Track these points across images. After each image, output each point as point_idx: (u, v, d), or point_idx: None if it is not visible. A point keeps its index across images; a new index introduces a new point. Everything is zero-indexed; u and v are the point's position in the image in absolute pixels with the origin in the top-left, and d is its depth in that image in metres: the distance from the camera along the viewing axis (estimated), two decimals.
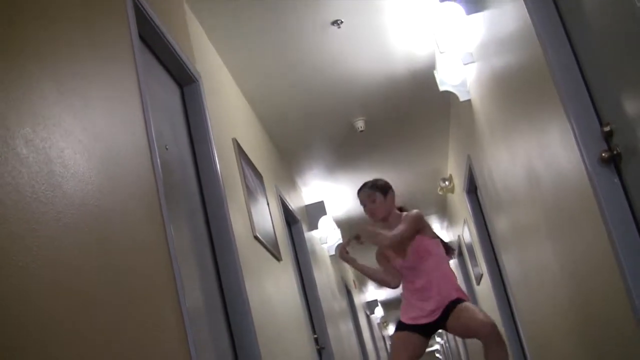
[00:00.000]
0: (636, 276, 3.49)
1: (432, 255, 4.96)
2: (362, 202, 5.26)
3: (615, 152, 3.52)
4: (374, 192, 5.21)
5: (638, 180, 3.39)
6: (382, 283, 5.37)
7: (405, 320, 4.92)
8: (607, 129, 3.55)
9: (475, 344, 13.77)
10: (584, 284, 4.37)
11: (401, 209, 5.31)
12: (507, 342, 8.09)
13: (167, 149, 4.07)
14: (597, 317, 4.31)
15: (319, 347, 7.53)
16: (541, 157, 4.63)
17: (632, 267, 3.50)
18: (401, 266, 5.03)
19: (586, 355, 4.84)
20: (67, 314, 2.15)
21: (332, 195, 9.90)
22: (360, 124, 7.79)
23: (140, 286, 2.83)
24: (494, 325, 4.62)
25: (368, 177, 9.58)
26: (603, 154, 3.55)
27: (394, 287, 5.31)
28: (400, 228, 4.82)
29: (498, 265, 8.29)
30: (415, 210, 5.07)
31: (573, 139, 3.76)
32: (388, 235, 4.76)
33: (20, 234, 2.00)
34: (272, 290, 5.56)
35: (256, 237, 5.43)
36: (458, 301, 4.79)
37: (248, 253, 5.02)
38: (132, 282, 2.74)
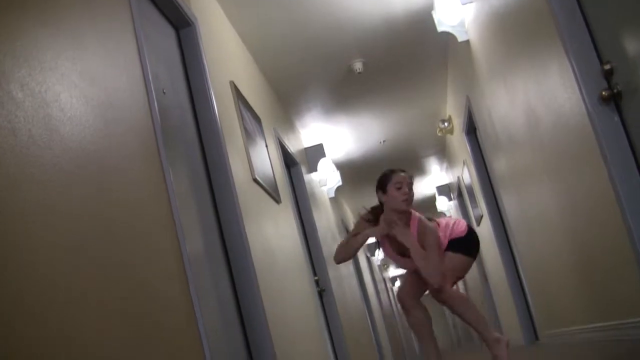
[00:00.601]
0: (636, 215, 3.50)
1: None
2: (401, 183, 4.86)
3: (615, 91, 3.51)
4: (413, 182, 4.94)
5: (638, 118, 3.37)
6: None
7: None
8: (607, 67, 3.53)
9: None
10: (584, 223, 4.38)
11: None
12: (507, 284, 8.18)
13: (164, 93, 4.04)
14: (597, 257, 4.33)
15: (319, 289, 7.58)
16: (540, 96, 4.61)
17: (633, 206, 3.51)
18: (395, 258, 5.02)
19: (586, 295, 4.87)
20: (65, 259, 2.15)
21: (331, 137, 9.88)
22: (358, 66, 7.73)
23: (140, 232, 2.83)
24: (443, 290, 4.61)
25: (367, 119, 9.62)
26: (603, 93, 3.53)
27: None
28: (434, 258, 4.65)
29: (498, 207, 8.31)
30: (433, 228, 4.81)
31: (573, 78, 3.74)
32: (431, 265, 4.62)
33: (17, 178, 1.99)
34: (272, 233, 5.58)
35: (255, 180, 5.42)
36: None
37: (247, 196, 5.02)
38: (131, 227, 2.74)
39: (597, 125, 3.59)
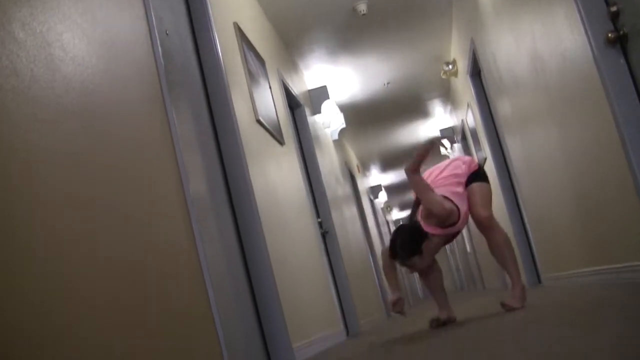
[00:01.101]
0: (639, 157, 3.49)
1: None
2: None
3: (621, 33, 3.49)
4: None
5: None
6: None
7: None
8: (613, 9, 3.50)
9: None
10: (589, 167, 4.37)
11: None
12: (510, 227, 8.21)
13: (167, 34, 4.02)
14: (601, 201, 4.34)
15: (322, 231, 7.62)
16: (546, 39, 4.58)
17: (637, 149, 3.50)
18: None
19: (589, 238, 4.89)
20: (68, 202, 2.16)
21: (335, 79, 9.83)
22: (362, 7, 7.67)
23: (143, 173, 2.83)
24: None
25: (371, 61, 9.57)
26: (609, 35, 3.51)
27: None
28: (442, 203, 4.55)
29: (502, 150, 8.30)
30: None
31: (579, 20, 3.71)
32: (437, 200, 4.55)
33: (19, 118, 1.99)
34: (275, 175, 5.59)
35: (259, 121, 5.42)
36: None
37: (251, 137, 5.02)
38: (134, 169, 2.75)
39: (602, 68, 3.58)
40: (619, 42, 3.53)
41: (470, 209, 4.69)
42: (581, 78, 4.00)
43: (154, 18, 3.48)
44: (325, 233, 7.76)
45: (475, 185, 4.71)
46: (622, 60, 3.54)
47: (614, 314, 2.41)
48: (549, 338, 2.19)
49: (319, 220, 7.58)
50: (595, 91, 3.76)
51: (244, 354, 3.89)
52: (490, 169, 8.94)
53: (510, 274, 4.60)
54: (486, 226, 4.66)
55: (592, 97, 3.85)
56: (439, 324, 4.83)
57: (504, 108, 7.14)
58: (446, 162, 4.92)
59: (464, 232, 17.48)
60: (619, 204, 3.95)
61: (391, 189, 19.83)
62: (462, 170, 4.74)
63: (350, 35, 8.54)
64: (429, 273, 5.00)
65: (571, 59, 4.10)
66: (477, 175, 4.78)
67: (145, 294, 2.52)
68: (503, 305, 4.43)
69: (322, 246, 7.13)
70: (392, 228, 22.36)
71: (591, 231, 4.74)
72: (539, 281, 7.78)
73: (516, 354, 2.02)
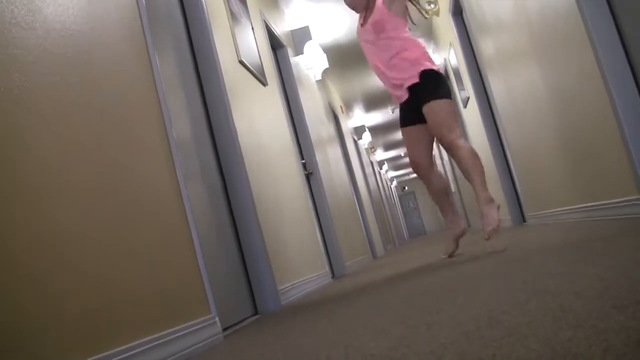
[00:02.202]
0: (622, 95, 3.50)
1: (389, 34, 4.84)
2: None
3: None
4: None
5: None
6: None
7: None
8: None
9: None
10: (572, 105, 4.38)
11: None
12: (494, 166, 8.24)
13: None
14: (584, 138, 4.35)
15: (307, 172, 7.63)
16: None
17: (619, 87, 3.51)
18: (361, 36, 4.95)
19: (573, 176, 4.92)
20: (55, 145, 2.15)
21: (318, 20, 9.76)
22: None
23: (126, 114, 2.82)
24: (453, 140, 4.52)
25: None
26: None
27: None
28: None
29: (485, 89, 8.30)
30: None
31: None
32: None
33: (1, 59, 1.97)
34: (258, 116, 5.57)
35: (241, 62, 5.39)
36: (424, 90, 4.66)
37: (234, 78, 5.00)
38: (117, 109, 2.74)
39: (582, 5, 3.56)
40: None
41: (434, 131, 4.59)
42: (563, 15, 3.99)
43: None
44: (310, 174, 7.77)
45: (434, 104, 4.57)
46: None
47: (601, 248, 2.44)
48: (537, 274, 2.21)
49: (303, 161, 7.59)
50: (576, 28, 3.76)
51: (229, 296, 3.92)
52: (473, 107, 8.94)
53: (474, 185, 4.44)
54: (452, 147, 4.52)
55: (575, 36, 3.85)
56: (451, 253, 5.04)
57: (486, 47, 7.12)
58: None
59: (449, 172, 17.55)
60: (602, 141, 3.97)
61: (375, 130, 19.82)
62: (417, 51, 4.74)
63: None
64: (435, 183, 4.98)
65: None
66: (435, 84, 4.64)
67: (130, 238, 2.53)
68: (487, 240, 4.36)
69: (307, 188, 7.14)
70: (377, 169, 22.40)
71: (575, 169, 4.76)
72: (524, 220, 7.84)
73: (505, 293, 2.04)
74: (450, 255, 5.02)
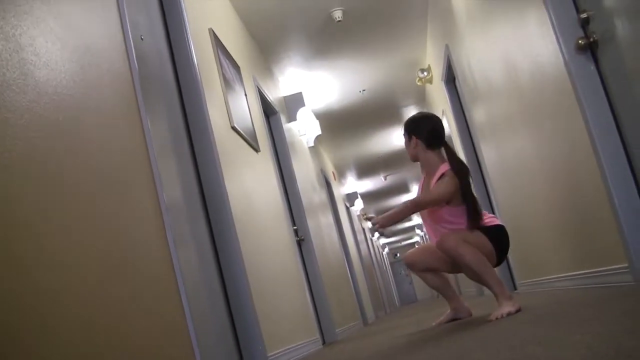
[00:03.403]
0: (612, 163, 3.53)
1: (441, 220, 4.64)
2: None
3: (591, 40, 3.53)
4: (405, 132, 4.82)
5: (614, 67, 3.40)
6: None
7: None
8: (584, 16, 3.55)
9: None
10: (562, 172, 4.41)
11: (451, 156, 4.67)
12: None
13: (142, 39, 4.02)
14: (574, 206, 4.37)
15: (298, 239, 7.63)
16: (519, 45, 4.62)
17: (608, 154, 3.54)
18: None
19: (563, 244, 4.92)
20: (44, 209, 2.15)
21: (311, 86, 9.86)
22: (338, 14, 7.70)
23: (118, 180, 2.83)
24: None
25: (346, 68, 9.60)
26: (580, 41, 3.55)
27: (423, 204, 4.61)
28: (421, 197, 4.52)
29: (477, 156, 8.34)
30: (446, 181, 4.49)
31: (550, 27, 3.75)
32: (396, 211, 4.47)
33: None
34: (251, 182, 5.59)
35: (234, 128, 5.42)
36: None
37: (226, 144, 5.02)
38: (108, 175, 2.74)
39: (573, 74, 3.61)
40: (589, 48, 3.58)
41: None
42: (553, 84, 4.04)
43: (128, 23, 3.48)
44: (301, 240, 7.76)
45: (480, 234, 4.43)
46: (593, 67, 3.58)
47: (590, 315, 2.43)
48: (526, 340, 2.21)
49: (295, 227, 7.58)
50: (567, 97, 3.80)
51: None
52: None
53: (490, 287, 4.20)
54: (456, 255, 4.30)
55: (564, 103, 3.89)
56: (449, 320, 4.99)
57: (478, 114, 7.18)
58: None
59: None
60: (592, 209, 3.99)
61: (367, 197, 19.87)
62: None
63: (326, 42, 8.57)
64: (428, 278, 4.98)
65: (543, 65, 4.14)
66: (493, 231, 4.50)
67: (119, 302, 2.51)
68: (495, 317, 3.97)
69: (298, 253, 7.13)
70: (369, 236, 22.39)
71: (565, 236, 4.77)
72: (515, 287, 7.82)
73: (498, 355, 2.04)
74: (441, 322, 5.00)
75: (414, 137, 4.71)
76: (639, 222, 3.48)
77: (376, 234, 27.47)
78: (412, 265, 4.95)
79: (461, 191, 4.46)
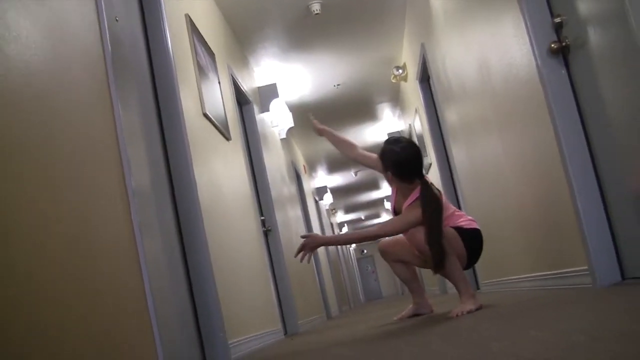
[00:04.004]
0: (577, 168, 3.57)
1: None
2: None
3: (564, 44, 3.57)
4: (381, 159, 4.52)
5: (584, 72, 3.43)
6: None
7: None
8: (557, 20, 3.58)
9: None
10: (530, 176, 4.45)
11: (424, 190, 4.30)
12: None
13: (117, 20, 4.00)
14: (540, 209, 4.41)
15: (265, 229, 7.63)
16: (494, 47, 4.65)
17: (574, 160, 3.58)
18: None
19: (528, 246, 4.97)
20: (11, 183, 2.14)
21: (285, 78, 9.85)
22: (316, 7, 7.70)
23: (85, 159, 2.82)
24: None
25: (322, 61, 9.60)
26: (552, 45, 3.59)
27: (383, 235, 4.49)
28: (388, 223, 4.37)
29: (447, 156, 8.38)
30: (407, 212, 4.30)
31: (524, 29, 3.78)
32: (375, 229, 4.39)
33: None
34: (220, 170, 5.58)
35: (205, 115, 5.41)
36: None
37: (197, 131, 5.01)
38: (75, 155, 2.73)
39: (544, 77, 3.65)
40: (562, 52, 3.61)
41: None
42: (525, 87, 4.07)
43: (103, 2, 3.46)
44: (268, 231, 7.77)
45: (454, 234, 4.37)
46: (564, 71, 3.62)
47: (547, 315, 2.46)
48: (483, 336, 2.23)
49: (262, 218, 7.59)
50: (537, 100, 3.83)
51: (179, 348, 3.89)
52: (434, 174, 9.02)
53: (455, 284, 4.24)
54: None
55: (535, 106, 3.92)
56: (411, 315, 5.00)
57: (450, 115, 7.22)
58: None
59: None
60: (556, 213, 4.03)
61: (337, 191, 19.89)
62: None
63: (303, 34, 8.56)
64: (396, 268, 5.01)
65: (516, 67, 4.17)
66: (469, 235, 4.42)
67: (81, 283, 2.51)
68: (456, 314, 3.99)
69: (264, 244, 7.14)
70: (337, 231, 22.42)
71: (530, 238, 4.81)
72: (477, 287, 7.87)
73: (451, 353, 2.06)
74: (403, 317, 5.04)
75: (388, 170, 4.39)
76: (600, 227, 3.53)
77: (344, 230, 27.53)
78: (385, 254, 4.99)
79: (426, 231, 4.21)
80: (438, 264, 4.20)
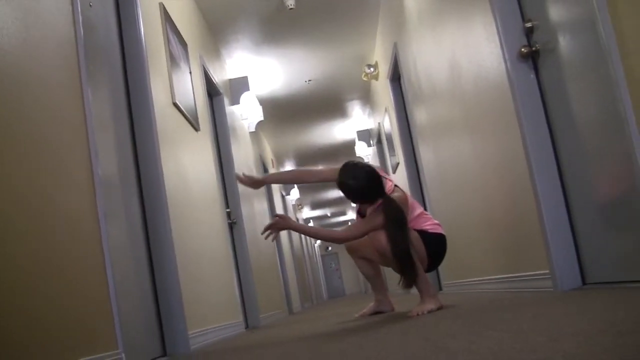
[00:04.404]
0: (542, 172, 3.61)
1: None
2: None
3: (534, 49, 3.60)
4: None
5: (553, 77, 3.47)
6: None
7: None
8: (529, 25, 3.62)
9: None
10: (496, 178, 4.48)
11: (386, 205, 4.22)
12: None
13: (90, 5, 3.99)
14: (505, 211, 4.45)
15: (230, 221, 7.62)
16: (465, 48, 4.68)
17: (540, 163, 3.62)
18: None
19: (492, 245, 5.00)
20: None
21: (257, 71, 9.84)
22: (290, 2, 7.68)
23: (52, 143, 2.81)
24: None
25: (294, 56, 9.61)
26: (522, 49, 3.62)
27: (340, 242, 4.52)
28: (352, 229, 4.35)
29: (415, 156, 8.42)
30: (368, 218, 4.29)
31: (495, 33, 3.81)
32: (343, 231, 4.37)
33: None
34: (187, 159, 5.57)
35: (175, 104, 5.40)
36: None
37: (166, 120, 5.00)
38: (43, 136, 2.72)
39: (513, 81, 3.68)
40: (531, 57, 3.65)
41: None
42: (494, 90, 4.10)
43: None
44: (233, 223, 7.76)
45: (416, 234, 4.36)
46: (533, 75, 3.66)
47: (505, 315, 2.49)
48: (441, 334, 2.25)
49: (228, 210, 7.58)
50: (506, 104, 3.87)
51: (139, 334, 3.89)
52: (401, 174, 9.06)
53: (416, 283, 4.17)
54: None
55: (503, 109, 3.96)
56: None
57: (420, 115, 7.25)
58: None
59: None
60: (520, 216, 4.06)
61: (303, 187, 19.90)
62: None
63: (276, 28, 8.56)
64: (360, 264, 5.06)
65: (486, 70, 4.20)
66: (433, 241, 4.40)
67: (41, 271, 2.50)
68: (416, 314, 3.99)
69: (229, 236, 7.14)
70: None
71: (493, 241, 4.85)
72: (440, 288, 7.92)
73: (407, 349, 2.08)
74: (364, 314, 5.08)
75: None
76: (563, 232, 3.58)
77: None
78: (351, 251, 5.03)
79: (390, 245, 4.14)
80: (409, 282, 4.13)
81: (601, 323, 1.74)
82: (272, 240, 4.48)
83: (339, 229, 4.43)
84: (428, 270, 4.42)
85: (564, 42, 3.27)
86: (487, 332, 1.99)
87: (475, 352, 1.59)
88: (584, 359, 1.25)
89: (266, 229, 4.33)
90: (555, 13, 3.32)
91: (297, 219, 20.40)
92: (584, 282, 3.54)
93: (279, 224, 4.33)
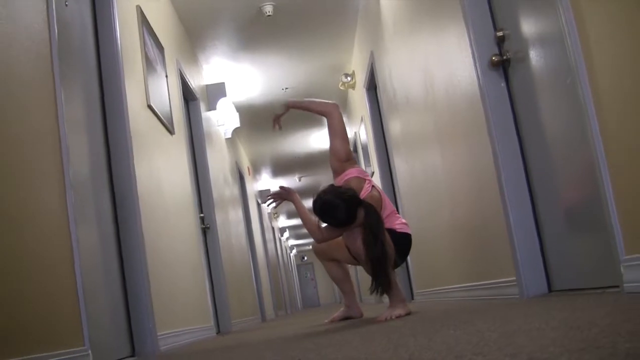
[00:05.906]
0: (511, 182, 3.66)
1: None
2: None
3: (505, 57, 3.65)
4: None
5: (523, 86, 3.52)
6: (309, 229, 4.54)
7: None
8: (500, 34, 3.67)
9: None
10: (468, 189, 4.52)
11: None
12: None
13: (66, 5, 3.99)
14: (474, 221, 4.49)
15: (204, 227, 7.62)
16: (437, 58, 4.72)
17: (509, 172, 3.67)
18: None
19: (462, 254, 5.04)
20: None
21: (234, 78, 9.84)
22: (268, 9, 7.72)
23: (22, 143, 2.81)
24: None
25: (271, 64, 9.63)
26: (493, 58, 3.67)
27: (317, 242, 4.62)
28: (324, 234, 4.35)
29: (390, 166, 8.44)
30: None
31: (468, 41, 3.86)
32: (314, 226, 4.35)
33: None
34: (161, 163, 5.57)
35: (150, 107, 5.40)
36: None
37: (140, 122, 5.00)
38: (12, 142, 2.73)
39: (484, 89, 3.72)
40: (502, 66, 3.69)
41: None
42: (465, 98, 4.14)
43: None
44: (207, 229, 7.76)
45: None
46: (503, 84, 3.70)
47: (467, 319, 2.52)
48: (403, 334, 2.28)
49: (202, 215, 7.59)
50: (477, 112, 3.91)
51: (107, 333, 3.89)
52: (376, 182, 9.08)
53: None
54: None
55: (474, 117, 3.99)
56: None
57: (394, 125, 7.28)
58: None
59: None
60: (491, 225, 4.10)
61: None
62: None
63: (254, 35, 8.58)
64: (330, 268, 5.09)
65: (458, 79, 4.24)
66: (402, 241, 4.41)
67: (9, 269, 2.51)
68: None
69: (202, 241, 7.14)
70: (278, 235, 22.42)
71: (464, 250, 4.89)
72: (412, 297, 7.95)
73: (368, 347, 2.10)
74: (334, 320, 5.11)
75: None
76: (529, 240, 3.62)
77: (285, 235, 27.52)
78: (318, 253, 5.05)
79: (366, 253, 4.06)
80: (382, 288, 4.08)
81: (556, 322, 1.78)
82: (273, 209, 4.70)
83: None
84: (393, 267, 4.42)
85: (534, 53, 3.32)
86: (447, 332, 2.02)
87: (432, 348, 1.62)
88: (533, 351, 1.28)
89: (270, 196, 4.74)
90: (526, 24, 3.37)
91: (273, 228, 20.38)
92: (550, 289, 3.58)
93: (283, 194, 4.72)
